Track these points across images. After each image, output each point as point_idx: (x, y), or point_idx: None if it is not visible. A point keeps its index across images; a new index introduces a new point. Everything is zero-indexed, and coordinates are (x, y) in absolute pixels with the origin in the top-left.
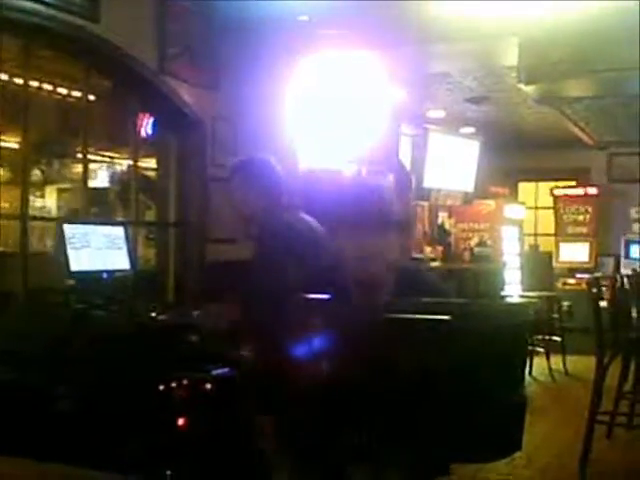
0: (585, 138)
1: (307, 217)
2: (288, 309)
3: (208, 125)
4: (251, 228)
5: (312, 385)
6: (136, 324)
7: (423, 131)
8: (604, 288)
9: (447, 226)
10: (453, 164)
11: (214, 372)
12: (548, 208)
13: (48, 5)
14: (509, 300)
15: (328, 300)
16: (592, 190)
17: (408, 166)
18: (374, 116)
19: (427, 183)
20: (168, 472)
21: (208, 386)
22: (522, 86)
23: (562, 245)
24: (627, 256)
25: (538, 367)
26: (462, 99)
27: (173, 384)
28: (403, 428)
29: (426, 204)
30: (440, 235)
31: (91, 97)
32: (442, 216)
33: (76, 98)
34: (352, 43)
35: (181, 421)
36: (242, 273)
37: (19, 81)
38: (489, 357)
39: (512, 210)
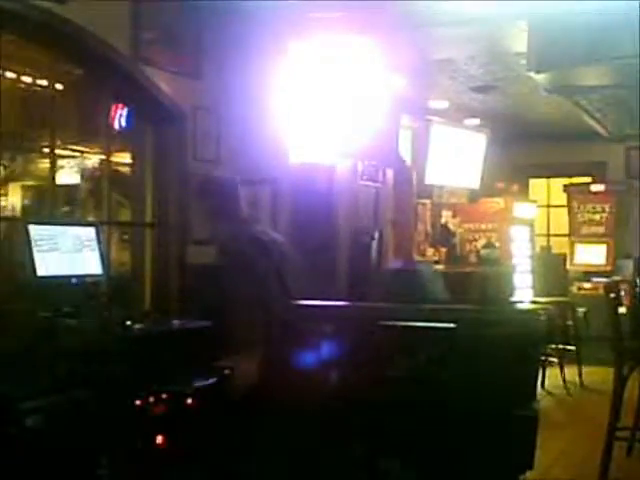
0: (601, 130)
1: (269, 231)
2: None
3: (189, 116)
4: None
5: (309, 397)
6: (109, 334)
7: (425, 123)
8: (623, 293)
9: (451, 226)
10: (458, 159)
11: (196, 384)
12: (561, 206)
13: None
14: (519, 307)
15: (328, 307)
16: (609, 187)
17: (409, 161)
18: (371, 107)
19: (429, 180)
20: None
21: (189, 400)
22: (532, 74)
23: (577, 246)
24: None
25: (551, 379)
26: (467, 88)
27: (151, 399)
28: (401, 443)
29: (428, 202)
30: (444, 236)
31: (59, 86)
32: (446, 215)
33: (42, 87)
34: (347, 27)
35: (160, 439)
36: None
37: None
38: (497, 368)
39: (522, 209)
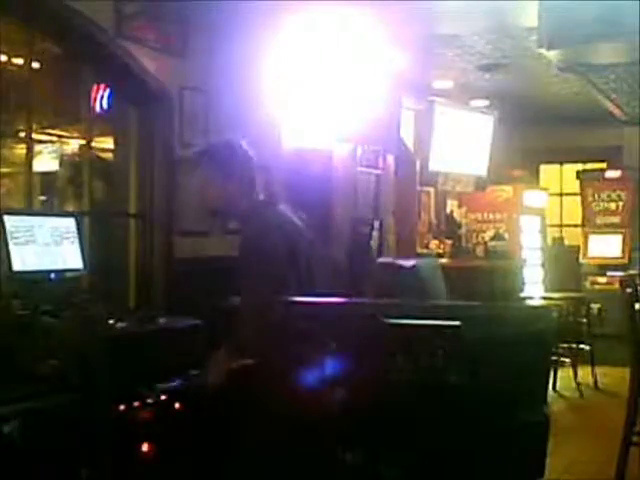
0: (617, 112)
1: (288, 213)
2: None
3: (175, 97)
4: (225, 221)
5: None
6: (91, 333)
7: (428, 104)
8: None
9: (457, 216)
10: (463, 143)
11: (184, 388)
12: (574, 194)
13: None
14: (529, 303)
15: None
16: (625, 173)
17: (411, 146)
18: (371, 86)
19: (433, 166)
20: None
21: (177, 405)
22: (543, 51)
23: (591, 237)
24: None
25: (563, 380)
26: (473, 66)
27: (135, 403)
28: (403, 449)
29: (432, 190)
30: (449, 227)
31: (35, 65)
32: (451, 204)
33: (17, 66)
34: (345, 2)
35: (145, 447)
36: (216, 272)
37: None
38: (505, 369)
39: (532, 197)
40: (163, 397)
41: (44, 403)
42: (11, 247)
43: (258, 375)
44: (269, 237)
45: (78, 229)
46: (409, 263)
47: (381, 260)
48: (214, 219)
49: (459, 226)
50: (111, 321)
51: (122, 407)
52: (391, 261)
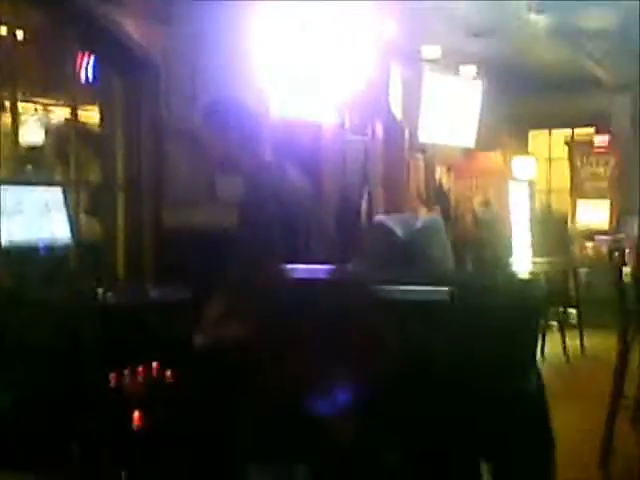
0: (606, 78)
1: (295, 176)
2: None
3: (161, 65)
4: (230, 184)
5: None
6: (80, 304)
7: (416, 72)
8: (627, 252)
9: (445, 183)
10: (452, 111)
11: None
12: (563, 159)
13: None
14: (519, 272)
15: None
16: (613, 138)
17: (400, 114)
18: (358, 54)
19: (423, 137)
20: (123, 473)
21: (168, 373)
22: (532, 16)
23: (579, 203)
24: None
25: (550, 344)
26: (462, 33)
27: (125, 373)
28: (393, 428)
29: (421, 157)
30: (437, 196)
31: (19, 33)
32: (440, 172)
33: (0, 35)
34: None
35: (136, 416)
36: (208, 243)
37: None
38: (495, 338)
39: (521, 163)
40: (154, 365)
41: (32, 374)
42: None
43: (245, 348)
44: (264, 206)
45: (65, 199)
46: (411, 224)
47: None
48: (208, 185)
49: (447, 194)
50: (99, 292)
51: (113, 376)
52: (385, 223)
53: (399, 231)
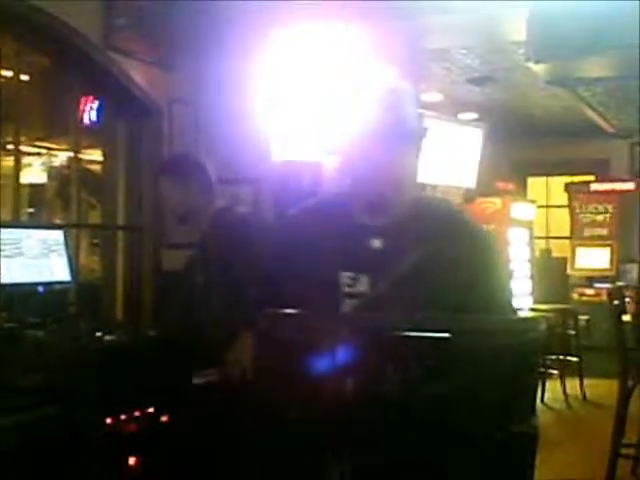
0: (604, 125)
1: (248, 216)
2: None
3: (164, 110)
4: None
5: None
6: (78, 346)
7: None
8: (627, 300)
9: None
10: (452, 156)
11: (173, 401)
12: (562, 207)
13: None
14: (517, 315)
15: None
16: (613, 185)
17: None
18: (358, 99)
19: (421, 178)
20: None
21: (164, 418)
22: (531, 65)
23: (578, 250)
24: None
25: (551, 392)
26: (462, 80)
27: (122, 416)
28: (388, 462)
29: None
30: None
31: (24, 77)
32: None
33: (5, 78)
34: (332, 15)
35: (132, 460)
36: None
37: None
38: (493, 382)
39: (520, 209)
40: (151, 410)
41: (30, 416)
42: None
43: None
44: (220, 245)
45: (66, 241)
46: None
47: None
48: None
49: None
50: (98, 334)
51: (109, 421)
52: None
53: None
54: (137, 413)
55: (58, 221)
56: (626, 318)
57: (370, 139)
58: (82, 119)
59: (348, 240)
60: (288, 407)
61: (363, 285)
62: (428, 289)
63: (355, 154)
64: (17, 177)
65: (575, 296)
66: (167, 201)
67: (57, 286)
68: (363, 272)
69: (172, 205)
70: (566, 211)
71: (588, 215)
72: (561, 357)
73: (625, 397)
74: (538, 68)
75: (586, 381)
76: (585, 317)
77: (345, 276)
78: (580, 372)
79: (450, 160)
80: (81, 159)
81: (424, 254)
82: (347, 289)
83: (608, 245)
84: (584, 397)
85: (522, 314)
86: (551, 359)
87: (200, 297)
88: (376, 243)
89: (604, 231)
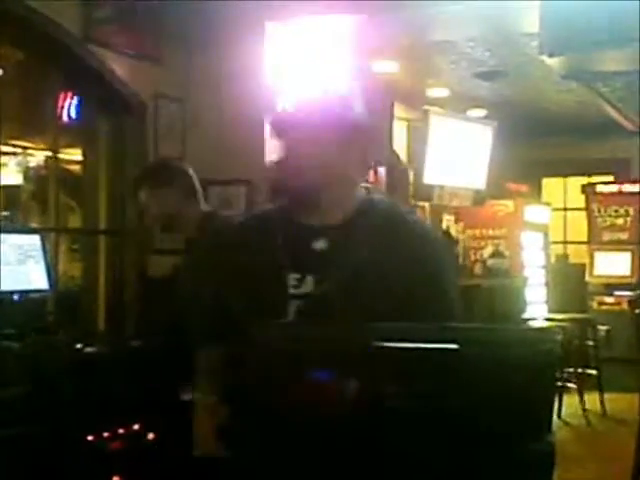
0: (624, 123)
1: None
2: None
3: (149, 107)
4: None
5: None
6: (57, 359)
7: (422, 114)
8: None
9: (453, 232)
10: (460, 155)
11: (158, 416)
12: (579, 209)
13: None
14: (532, 325)
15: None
16: (634, 187)
17: (404, 157)
18: (361, 96)
19: (428, 179)
20: None
21: (150, 435)
22: (545, 58)
23: (597, 255)
24: None
25: (569, 407)
26: (471, 74)
27: (105, 434)
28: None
29: (427, 205)
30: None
31: None
32: (447, 220)
33: None
34: (333, 7)
35: None
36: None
37: None
38: (506, 396)
39: (535, 212)
40: (136, 427)
41: (6, 434)
42: None
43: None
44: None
45: (43, 247)
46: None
47: None
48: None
49: (455, 242)
50: (78, 346)
51: (91, 438)
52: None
53: None
54: (121, 430)
55: (35, 225)
56: None
57: (293, 131)
58: (61, 116)
59: (294, 242)
60: (290, 420)
61: (309, 286)
62: (373, 289)
63: (283, 148)
64: None
65: (594, 305)
66: (148, 212)
67: (34, 294)
68: (309, 273)
69: (154, 216)
70: (584, 214)
71: (607, 218)
72: (579, 370)
73: None
74: (552, 61)
75: (606, 395)
76: (605, 327)
77: (292, 277)
78: (600, 386)
79: (458, 160)
80: (60, 159)
81: (370, 254)
82: (293, 290)
83: (629, 250)
84: (604, 412)
85: (536, 324)
86: (568, 372)
87: (186, 307)
88: (321, 244)
89: (624, 235)
